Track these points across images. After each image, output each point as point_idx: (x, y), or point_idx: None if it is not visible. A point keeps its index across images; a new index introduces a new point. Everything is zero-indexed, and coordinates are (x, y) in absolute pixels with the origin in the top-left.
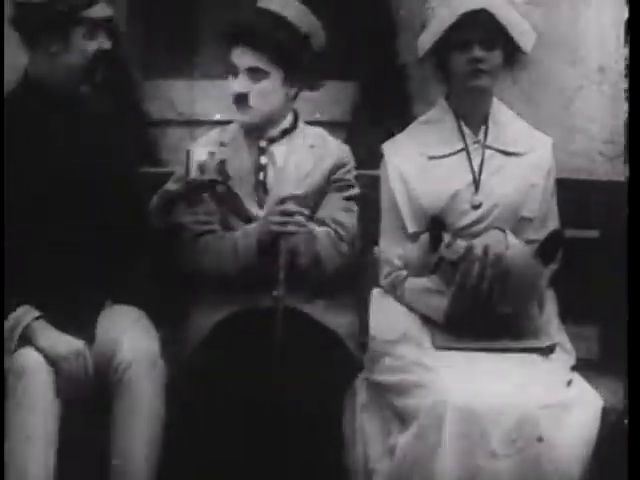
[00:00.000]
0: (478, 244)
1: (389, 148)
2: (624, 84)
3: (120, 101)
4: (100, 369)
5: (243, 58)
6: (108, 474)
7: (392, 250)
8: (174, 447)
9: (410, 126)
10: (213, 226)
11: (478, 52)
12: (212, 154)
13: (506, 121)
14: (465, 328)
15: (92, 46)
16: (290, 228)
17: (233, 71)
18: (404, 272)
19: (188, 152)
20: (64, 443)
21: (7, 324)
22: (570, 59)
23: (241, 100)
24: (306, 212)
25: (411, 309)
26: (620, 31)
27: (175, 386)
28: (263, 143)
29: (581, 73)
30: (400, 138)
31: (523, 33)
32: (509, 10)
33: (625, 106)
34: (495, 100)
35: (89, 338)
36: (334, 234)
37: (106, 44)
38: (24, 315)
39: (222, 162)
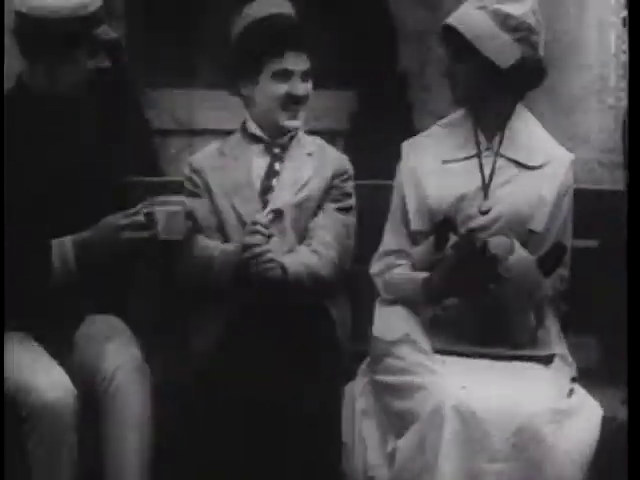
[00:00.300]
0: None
1: (407, 147)
2: (624, 93)
3: (123, 110)
4: (85, 381)
5: (298, 61)
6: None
7: (390, 245)
8: (173, 449)
9: (432, 127)
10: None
11: (448, 67)
12: (174, 213)
13: (524, 131)
14: (464, 333)
15: (91, 64)
16: (258, 265)
17: (282, 75)
18: (398, 261)
19: (152, 214)
20: None
21: None
22: (571, 68)
23: (294, 102)
24: (269, 249)
25: (395, 295)
26: (621, 40)
27: (173, 389)
28: (277, 150)
29: (582, 82)
30: (419, 139)
31: (498, 49)
32: (484, 24)
33: (624, 114)
34: (519, 108)
35: (68, 350)
36: (315, 260)
37: (105, 62)
38: None
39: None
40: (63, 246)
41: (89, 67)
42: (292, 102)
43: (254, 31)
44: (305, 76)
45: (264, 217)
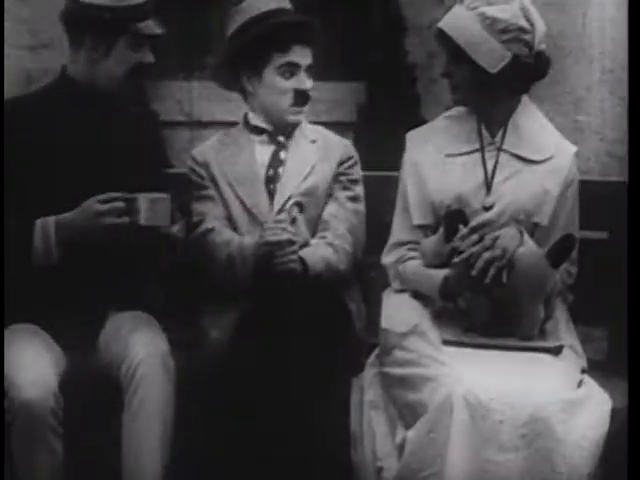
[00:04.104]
0: (490, 236)
1: (410, 139)
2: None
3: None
4: (109, 373)
5: (304, 55)
6: (120, 474)
7: (400, 236)
8: (190, 440)
9: (436, 119)
10: (211, 224)
11: (445, 68)
12: (157, 200)
13: (528, 126)
14: (473, 324)
15: (134, 58)
16: (282, 259)
17: (288, 69)
18: (410, 253)
19: (135, 200)
20: (75, 443)
21: None
22: (580, 59)
23: (300, 97)
24: (296, 239)
25: (409, 288)
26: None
27: (190, 382)
28: (281, 138)
29: (592, 73)
30: (422, 130)
31: (485, 53)
32: (472, 28)
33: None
34: (523, 101)
35: (90, 349)
36: (332, 253)
37: (149, 58)
38: None
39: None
40: (46, 225)
41: (131, 61)
42: (298, 97)
43: (257, 25)
44: (309, 70)
45: (286, 215)
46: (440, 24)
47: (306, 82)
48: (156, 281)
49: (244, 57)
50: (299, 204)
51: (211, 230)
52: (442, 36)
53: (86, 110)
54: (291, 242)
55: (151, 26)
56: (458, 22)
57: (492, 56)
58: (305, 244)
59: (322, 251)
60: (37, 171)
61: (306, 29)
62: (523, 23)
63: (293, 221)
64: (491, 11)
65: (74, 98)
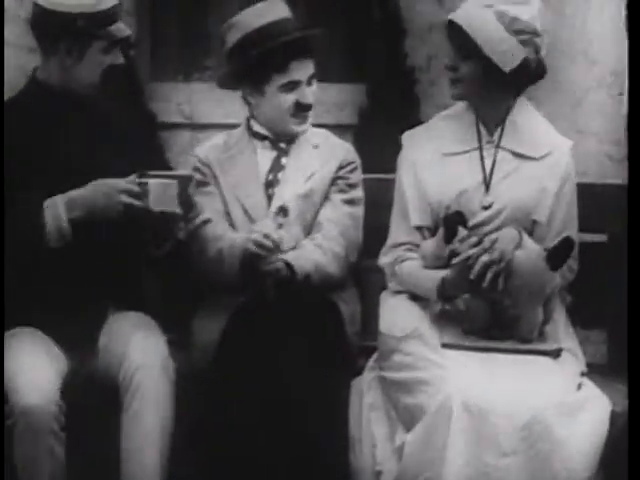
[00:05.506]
0: (489, 238)
1: (407, 139)
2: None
3: (127, 104)
4: (109, 375)
5: (304, 69)
6: (119, 476)
7: (398, 237)
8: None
9: (432, 119)
10: (209, 216)
11: (450, 61)
12: (167, 185)
13: (525, 123)
14: (472, 327)
15: (106, 61)
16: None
17: (289, 86)
18: (408, 254)
19: (145, 184)
20: (74, 446)
21: None
22: (580, 61)
23: (303, 110)
24: (283, 246)
25: (406, 289)
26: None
27: (179, 388)
28: (283, 144)
29: (592, 75)
30: (419, 130)
31: (503, 52)
32: (491, 26)
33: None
34: (520, 100)
35: (91, 350)
36: (320, 254)
37: (119, 59)
38: None
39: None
40: (55, 206)
41: (104, 64)
42: (301, 109)
43: (253, 43)
44: (311, 80)
45: (275, 228)
46: (454, 18)
47: (308, 95)
48: (155, 280)
49: (244, 74)
50: (283, 209)
51: (207, 221)
52: (452, 29)
53: (63, 113)
54: (275, 249)
55: (121, 28)
56: (475, 18)
57: (509, 55)
58: (295, 247)
59: (309, 253)
60: (16, 172)
61: (304, 42)
62: (539, 26)
63: (279, 226)
64: (512, 10)
65: (49, 102)
